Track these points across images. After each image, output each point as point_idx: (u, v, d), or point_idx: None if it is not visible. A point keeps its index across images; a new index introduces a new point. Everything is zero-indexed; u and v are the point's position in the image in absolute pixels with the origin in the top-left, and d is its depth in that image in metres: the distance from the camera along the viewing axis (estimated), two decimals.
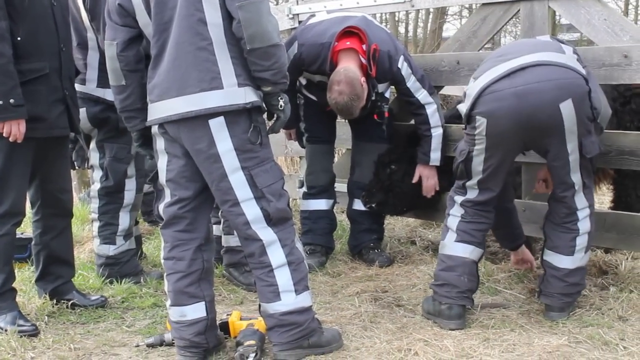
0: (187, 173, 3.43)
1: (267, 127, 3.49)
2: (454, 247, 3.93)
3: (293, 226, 3.53)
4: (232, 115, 3.27)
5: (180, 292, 3.48)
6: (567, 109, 3.61)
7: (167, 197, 3.51)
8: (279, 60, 3.28)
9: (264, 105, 3.40)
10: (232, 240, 4.87)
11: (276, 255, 3.42)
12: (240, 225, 3.41)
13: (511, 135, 3.70)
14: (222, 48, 3.26)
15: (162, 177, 3.52)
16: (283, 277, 3.42)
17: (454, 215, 3.98)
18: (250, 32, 3.17)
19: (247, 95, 3.28)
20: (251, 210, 3.37)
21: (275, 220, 3.40)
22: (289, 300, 3.42)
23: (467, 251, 3.91)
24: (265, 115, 3.47)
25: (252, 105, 3.28)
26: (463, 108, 3.82)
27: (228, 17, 3.24)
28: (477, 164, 3.83)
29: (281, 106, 3.39)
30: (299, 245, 3.54)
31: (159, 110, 3.36)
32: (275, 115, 3.49)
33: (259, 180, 3.35)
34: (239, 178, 3.33)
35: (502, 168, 3.86)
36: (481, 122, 3.70)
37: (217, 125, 3.26)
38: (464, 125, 3.90)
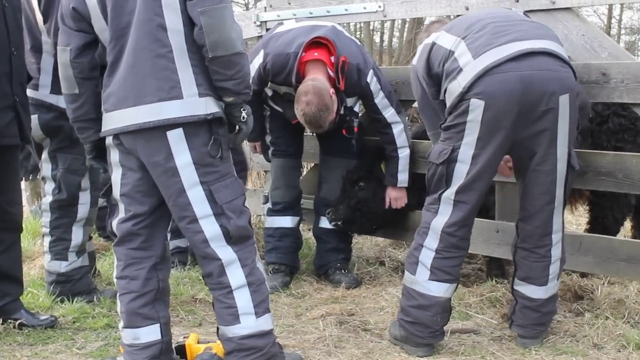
0: (143, 187, 3.39)
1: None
2: (428, 286, 3.79)
3: (254, 245, 3.47)
4: (191, 126, 3.22)
5: (134, 313, 3.43)
6: (564, 102, 3.61)
7: (121, 213, 3.46)
8: (242, 70, 3.24)
9: (225, 117, 3.35)
10: None
11: (236, 275, 3.36)
12: (198, 243, 3.36)
13: (508, 123, 3.59)
14: (183, 56, 3.21)
15: (116, 191, 3.47)
16: (243, 299, 3.36)
17: (428, 249, 3.80)
18: (212, 39, 3.13)
19: (208, 106, 3.23)
20: (210, 228, 3.32)
21: (235, 238, 3.34)
22: (248, 323, 3.37)
23: (441, 290, 3.80)
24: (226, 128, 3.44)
25: (213, 116, 3.24)
26: (456, 86, 3.67)
27: (189, 24, 3.20)
28: (462, 162, 3.69)
29: (243, 118, 3.34)
30: (259, 265, 3.48)
31: (114, 120, 3.31)
32: (237, 127, 3.43)
33: (219, 196, 3.30)
34: (197, 193, 3.28)
35: (487, 171, 3.73)
36: (477, 106, 3.59)
37: (176, 138, 3.21)
38: (444, 120, 3.79)
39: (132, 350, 3.44)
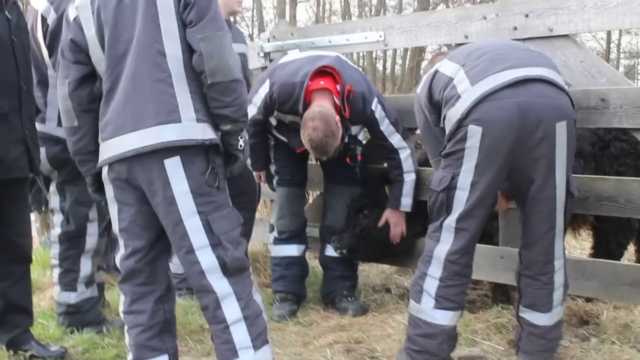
0: (140, 221, 3.39)
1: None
2: (434, 315, 3.77)
3: (250, 277, 3.44)
4: (188, 154, 3.22)
5: (142, 346, 3.44)
6: (561, 129, 3.61)
7: (122, 249, 3.46)
8: (240, 97, 3.26)
9: (222, 146, 3.36)
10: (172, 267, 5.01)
11: (231, 309, 3.33)
12: (195, 275, 3.34)
13: (506, 150, 3.58)
14: (181, 81, 3.24)
15: (115, 227, 3.48)
16: (239, 333, 3.33)
17: (432, 277, 3.78)
18: (211, 65, 3.16)
19: (206, 132, 3.24)
20: (206, 259, 3.30)
21: (232, 270, 3.32)
22: (247, 358, 3.34)
23: (447, 318, 3.78)
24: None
25: (210, 142, 3.24)
26: (455, 113, 3.67)
27: (188, 51, 3.23)
28: (462, 189, 3.68)
29: (241, 146, 3.36)
30: (257, 296, 3.44)
31: (112, 147, 3.30)
32: (233, 156, 3.43)
33: (216, 227, 3.28)
34: (194, 223, 3.27)
35: (486, 198, 3.71)
36: (475, 132, 3.59)
37: (173, 165, 3.21)
38: (444, 147, 3.79)
39: None
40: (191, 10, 3.19)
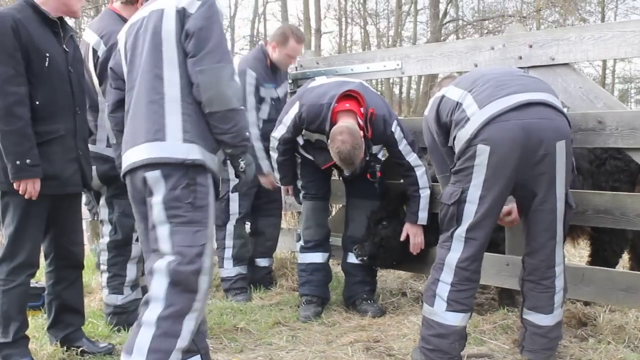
0: (148, 223, 3.30)
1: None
2: (445, 316, 3.76)
3: (192, 302, 3.14)
4: (168, 169, 3.14)
5: None
6: (560, 147, 3.62)
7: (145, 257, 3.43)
8: (238, 124, 3.20)
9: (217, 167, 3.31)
10: (223, 272, 5.66)
11: (150, 312, 3.11)
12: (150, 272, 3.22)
13: (511, 167, 3.60)
14: (175, 104, 3.17)
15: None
16: (142, 336, 3.08)
17: (444, 283, 3.78)
18: (208, 96, 3.12)
19: (190, 153, 3.15)
20: (161, 262, 3.15)
21: (173, 281, 3.11)
22: None
23: (458, 319, 3.77)
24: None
25: (192, 162, 3.14)
26: (465, 134, 3.69)
27: (187, 76, 3.19)
28: (471, 202, 3.69)
29: (242, 168, 3.31)
30: (186, 322, 3.13)
31: (123, 163, 3.34)
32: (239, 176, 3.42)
33: (175, 238, 3.13)
34: (164, 231, 3.15)
35: (494, 210, 3.72)
36: (483, 151, 3.60)
37: (153, 178, 3.16)
38: (454, 164, 3.79)
39: None
40: (190, 41, 3.16)
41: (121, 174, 3.38)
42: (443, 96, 3.98)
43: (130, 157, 3.24)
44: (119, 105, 3.49)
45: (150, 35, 3.24)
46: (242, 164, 3.29)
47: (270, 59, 5.69)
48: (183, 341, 3.12)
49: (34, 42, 3.83)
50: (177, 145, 3.15)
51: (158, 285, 3.13)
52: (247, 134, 3.27)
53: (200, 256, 3.15)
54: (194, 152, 3.16)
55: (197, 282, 3.14)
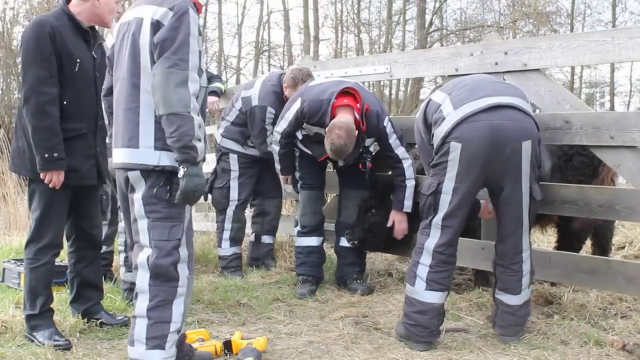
0: (132, 214, 3.26)
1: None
2: (425, 295, 3.79)
3: (175, 288, 3.13)
4: (146, 171, 3.10)
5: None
6: (526, 147, 3.64)
7: None
8: (179, 129, 2.93)
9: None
10: (220, 251, 5.73)
11: (140, 305, 3.10)
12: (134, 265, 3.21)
13: (481, 162, 3.63)
14: (148, 112, 3.07)
15: None
16: (139, 327, 3.10)
17: (423, 265, 3.81)
18: (156, 99, 2.98)
19: (161, 159, 3.06)
20: (142, 255, 3.13)
21: (154, 274, 3.09)
22: (138, 350, 3.12)
23: (436, 297, 3.79)
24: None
25: (162, 169, 3.07)
26: (440, 132, 3.72)
27: None
28: (446, 194, 3.72)
29: (181, 175, 3.00)
30: (176, 308, 3.14)
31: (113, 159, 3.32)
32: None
33: (153, 232, 3.09)
34: (143, 225, 3.12)
35: (466, 201, 3.75)
36: (455, 147, 3.64)
37: (135, 177, 3.13)
38: (432, 159, 3.83)
39: None
40: (156, 49, 3.04)
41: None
42: (430, 99, 4.02)
43: (114, 157, 3.24)
44: (112, 90, 3.39)
45: (130, 44, 3.15)
46: (182, 170, 2.99)
47: (284, 94, 5.64)
48: (175, 324, 3.14)
49: (68, 48, 3.84)
50: (148, 152, 3.08)
51: (142, 279, 3.12)
52: (193, 142, 2.98)
53: (177, 248, 3.12)
54: (164, 159, 3.08)
55: (176, 271, 3.12)
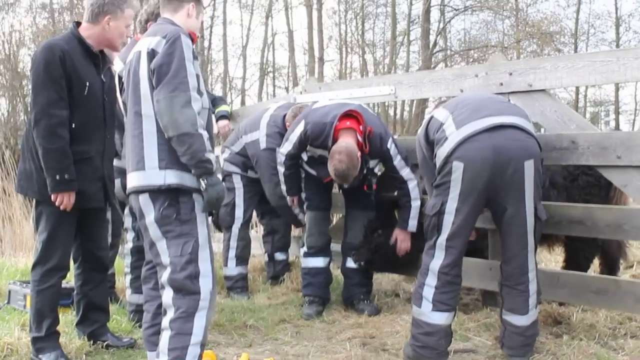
0: (147, 240, 3.35)
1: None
2: (432, 316, 3.78)
3: (196, 301, 3.18)
4: (154, 192, 3.19)
5: (146, 340, 3.47)
6: (528, 166, 3.63)
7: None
8: (191, 147, 3.10)
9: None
10: (226, 271, 5.74)
11: (166, 318, 3.20)
12: (160, 284, 3.29)
13: (483, 182, 3.63)
14: (151, 137, 3.20)
15: None
16: (163, 339, 3.18)
17: (429, 286, 3.81)
18: (163, 123, 3.13)
19: (167, 178, 3.17)
20: (165, 275, 3.22)
21: (174, 289, 3.18)
22: None
23: (443, 318, 3.78)
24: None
25: (168, 187, 3.17)
26: (443, 151, 3.73)
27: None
28: (449, 214, 3.72)
29: (203, 187, 3.17)
30: (198, 321, 3.19)
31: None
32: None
33: (170, 251, 3.20)
34: (162, 245, 3.22)
35: (469, 221, 3.75)
36: (458, 167, 3.65)
37: (145, 201, 3.23)
38: (435, 179, 3.83)
39: None
40: (154, 76, 3.17)
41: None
42: (432, 117, 4.02)
43: (128, 181, 3.32)
44: None
45: (132, 76, 3.30)
46: (202, 183, 3.16)
47: None
48: (197, 337, 3.16)
49: (77, 72, 3.87)
50: (154, 172, 3.19)
51: (167, 296, 3.20)
52: (206, 156, 3.14)
53: (190, 263, 3.18)
54: (170, 177, 3.18)
55: (196, 285, 3.18)
